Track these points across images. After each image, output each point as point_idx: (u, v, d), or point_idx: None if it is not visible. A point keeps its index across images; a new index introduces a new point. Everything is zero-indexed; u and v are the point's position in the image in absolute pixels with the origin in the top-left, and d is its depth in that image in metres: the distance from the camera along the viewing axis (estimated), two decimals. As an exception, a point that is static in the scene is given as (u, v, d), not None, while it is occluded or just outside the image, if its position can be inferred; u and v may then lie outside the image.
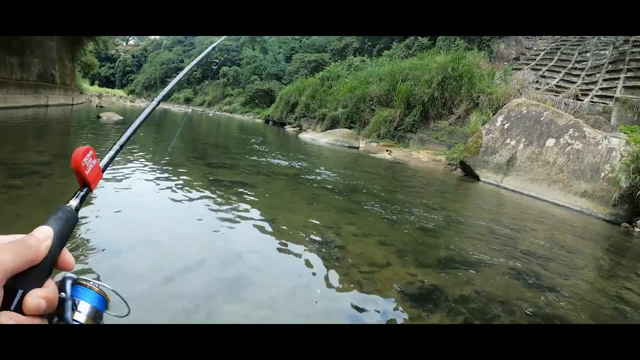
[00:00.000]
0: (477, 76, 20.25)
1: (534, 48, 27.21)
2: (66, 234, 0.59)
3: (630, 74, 19.77)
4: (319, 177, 8.43)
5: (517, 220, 7.69)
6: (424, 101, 21.01)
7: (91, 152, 0.67)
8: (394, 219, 5.72)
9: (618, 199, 10.19)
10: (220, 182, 6.43)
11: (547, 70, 23.42)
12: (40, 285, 0.51)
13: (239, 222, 4.56)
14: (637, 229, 9.51)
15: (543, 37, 27.97)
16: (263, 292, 2.95)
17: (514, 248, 5.31)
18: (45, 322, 0.51)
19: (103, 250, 3.25)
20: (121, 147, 0.82)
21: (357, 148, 19.95)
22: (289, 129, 32.93)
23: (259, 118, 46.60)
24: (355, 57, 38.74)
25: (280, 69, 55.19)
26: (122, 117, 18.31)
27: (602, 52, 22.78)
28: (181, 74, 1.30)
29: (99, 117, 17.39)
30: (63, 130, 13.07)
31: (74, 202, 0.66)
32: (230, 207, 5.11)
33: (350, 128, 24.13)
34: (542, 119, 13.63)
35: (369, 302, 3.01)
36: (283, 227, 4.57)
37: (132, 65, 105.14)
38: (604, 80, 20.53)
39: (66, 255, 0.58)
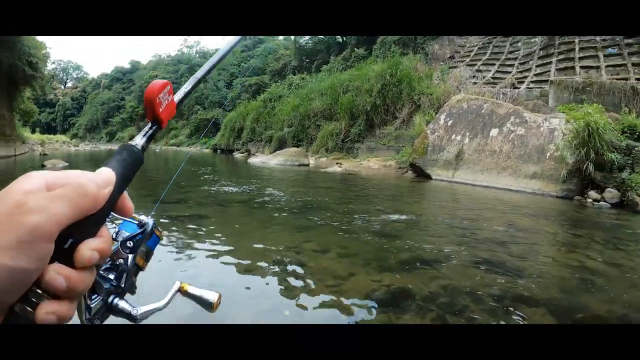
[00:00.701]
0: (416, 79, 20.51)
1: (467, 45, 27.88)
2: (129, 177, 0.53)
3: (561, 57, 20.51)
4: (272, 200, 8.19)
5: (473, 211, 7.74)
6: (367, 110, 21.11)
7: (169, 87, 0.59)
8: (351, 229, 5.57)
9: (567, 175, 10.51)
10: (175, 218, 6.00)
11: (482, 64, 23.96)
12: (93, 234, 0.47)
13: (198, 255, 4.32)
14: (589, 200, 9.89)
15: (473, 34, 28.68)
16: (230, 321, 2.79)
17: (474, 238, 5.33)
18: (94, 273, 0.47)
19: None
20: (198, 81, 0.71)
21: (308, 165, 19.86)
22: (237, 155, 32.48)
23: (206, 148, 45.78)
24: (294, 75, 38.68)
25: (222, 96, 54.50)
26: (67, 163, 17.50)
27: (532, 40, 23.53)
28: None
29: (43, 165, 16.39)
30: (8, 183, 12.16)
31: (140, 141, 0.57)
32: (187, 241, 4.80)
33: (298, 146, 23.98)
34: (483, 111, 13.78)
35: (338, 314, 2.94)
36: (243, 254, 4.37)
37: (72, 108, 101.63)
38: (537, 66, 21.21)
39: (125, 201, 0.53)
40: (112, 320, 0.53)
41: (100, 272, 0.52)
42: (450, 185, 12.66)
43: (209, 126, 50.54)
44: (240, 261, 4.12)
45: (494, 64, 23.45)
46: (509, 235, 5.67)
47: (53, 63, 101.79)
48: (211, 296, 0.62)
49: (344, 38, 38.68)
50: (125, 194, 0.53)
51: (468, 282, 3.53)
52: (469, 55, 25.90)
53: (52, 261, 0.42)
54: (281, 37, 56.85)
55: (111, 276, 0.53)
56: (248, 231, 5.62)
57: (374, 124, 21.02)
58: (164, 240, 4.82)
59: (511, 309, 3.04)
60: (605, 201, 9.68)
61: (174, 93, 0.63)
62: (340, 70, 29.49)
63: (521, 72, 21.57)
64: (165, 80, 0.59)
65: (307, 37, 45.65)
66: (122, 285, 0.54)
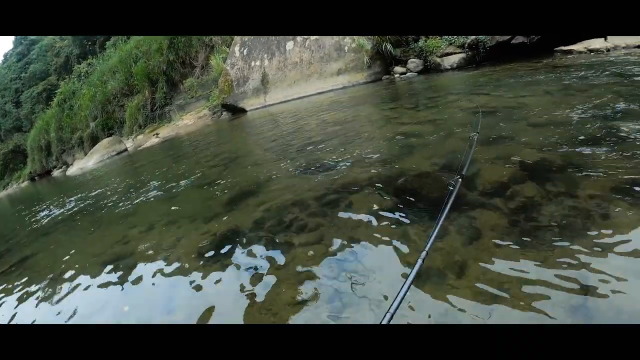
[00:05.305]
0: (200, 21, 19.25)
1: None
2: None
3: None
4: (91, 204, 7.25)
5: (288, 125, 7.77)
6: (164, 70, 19.63)
7: None
8: (174, 195, 5.30)
9: (369, 61, 11.05)
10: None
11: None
12: None
13: (29, 298, 3.56)
14: (396, 75, 10.59)
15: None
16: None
17: (291, 151, 5.30)
18: None
19: None
20: None
21: (126, 149, 18.42)
22: (56, 173, 28.93)
23: (22, 182, 40.15)
24: (80, 64, 34.48)
25: (15, 118, 47.60)
26: None
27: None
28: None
29: None
30: None
31: None
32: (20, 292, 3.86)
33: (110, 135, 21.73)
34: (269, 27, 13.39)
35: (176, 282, 2.75)
36: (73, 273, 3.78)
37: None
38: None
39: None
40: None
41: None
42: (266, 110, 12.47)
43: (15, 157, 44.35)
44: (72, 282, 3.54)
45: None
46: (325, 133, 5.72)
47: None
48: None
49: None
50: None
51: (291, 194, 3.48)
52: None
53: None
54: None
55: None
56: (74, 247, 4.88)
57: (176, 81, 19.69)
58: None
59: (338, 200, 3.00)
60: (411, 71, 10.41)
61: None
62: (124, 41, 26.82)
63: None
64: None
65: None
66: None
